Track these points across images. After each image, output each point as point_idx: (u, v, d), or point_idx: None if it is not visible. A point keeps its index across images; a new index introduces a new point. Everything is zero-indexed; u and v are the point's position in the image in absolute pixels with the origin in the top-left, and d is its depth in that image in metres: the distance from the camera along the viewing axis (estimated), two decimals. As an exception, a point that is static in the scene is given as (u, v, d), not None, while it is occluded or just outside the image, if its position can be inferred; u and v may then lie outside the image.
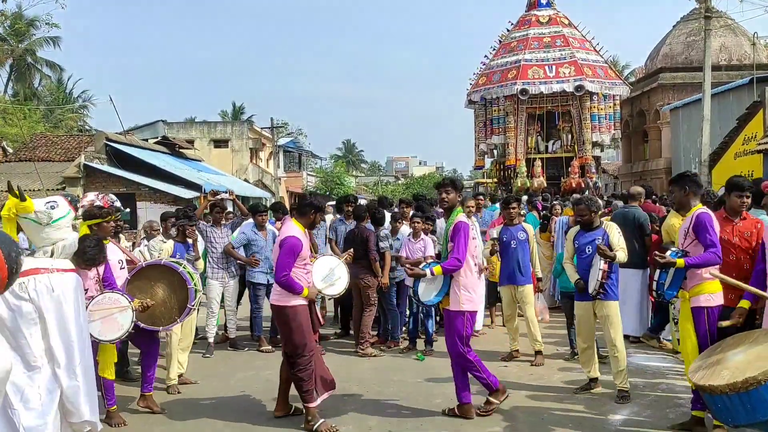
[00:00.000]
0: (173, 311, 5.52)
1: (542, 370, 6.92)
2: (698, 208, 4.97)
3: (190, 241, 7.05)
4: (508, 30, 23.92)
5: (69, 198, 4.62)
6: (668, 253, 4.85)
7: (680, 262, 4.72)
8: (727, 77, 20.46)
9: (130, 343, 6.15)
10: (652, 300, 7.62)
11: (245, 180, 32.70)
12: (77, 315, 4.13)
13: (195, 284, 5.63)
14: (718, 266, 4.75)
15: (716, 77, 18.54)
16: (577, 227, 6.23)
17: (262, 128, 39.30)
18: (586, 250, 5.94)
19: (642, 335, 7.62)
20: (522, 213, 8.20)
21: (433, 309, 7.77)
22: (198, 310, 8.71)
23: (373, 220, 8.27)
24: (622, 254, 5.80)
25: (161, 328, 5.62)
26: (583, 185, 20.65)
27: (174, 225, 7.38)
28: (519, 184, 21.12)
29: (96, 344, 4.98)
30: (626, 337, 7.60)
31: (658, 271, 4.94)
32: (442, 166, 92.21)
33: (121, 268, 5.46)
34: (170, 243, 6.95)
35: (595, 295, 5.74)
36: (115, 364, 5.56)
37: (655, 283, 4.96)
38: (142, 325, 5.37)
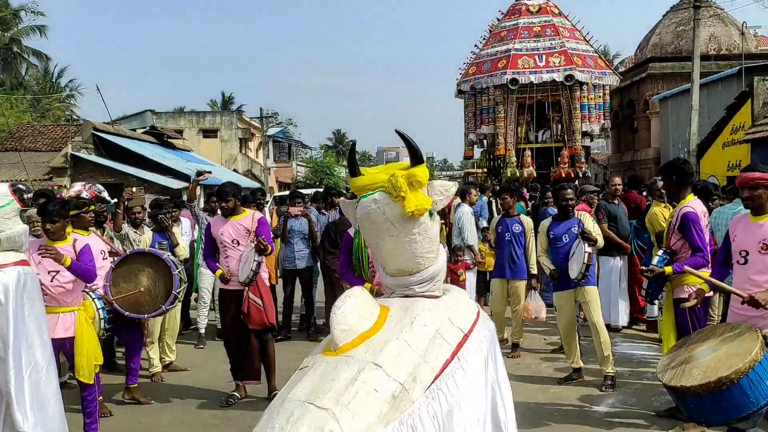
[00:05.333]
0: (158, 299, 5.47)
1: (529, 360, 6.93)
2: (684, 203, 4.92)
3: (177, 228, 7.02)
4: (498, 19, 23.82)
5: (14, 188, 4.33)
6: (654, 260, 4.88)
7: (668, 270, 4.80)
8: (716, 67, 20.45)
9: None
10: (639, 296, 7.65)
11: (234, 170, 32.51)
12: (17, 314, 3.89)
13: (180, 272, 5.58)
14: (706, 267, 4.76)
15: (705, 67, 18.53)
16: (549, 219, 6.26)
17: (251, 118, 39.04)
18: (563, 239, 5.96)
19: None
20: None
21: None
22: (189, 300, 8.71)
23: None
24: (600, 239, 5.88)
25: (146, 315, 5.57)
26: (572, 175, 20.68)
27: (151, 216, 7.34)
28: (509, 174, 21.11)
29: (63, 346, 4.74)
30: (613, 328, 7.67)
31: (646, 280, 5.00)
32: (432, 157, 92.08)
33: (103, 259, 5.39)
34: (149, 233, 6.91)
35: (580, 280, 5.74)
36: (102, 354, 5.50)
37: (643, 291, 5.10)
38: (126, 313, 5.32)
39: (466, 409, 2.62)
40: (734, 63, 19.11)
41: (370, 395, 2.38)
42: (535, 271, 7.06)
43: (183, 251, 7.14)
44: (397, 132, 3.03)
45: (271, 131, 42.58)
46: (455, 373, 2.64)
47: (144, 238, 6.81)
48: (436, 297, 2.99)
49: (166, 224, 7.00)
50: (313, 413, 2.32)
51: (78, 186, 7.33)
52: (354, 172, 2.95)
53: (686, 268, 4.56)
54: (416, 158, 2.92)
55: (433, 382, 2.54)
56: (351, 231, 4.78)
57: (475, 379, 2.74)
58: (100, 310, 4.96)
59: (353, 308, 2.66)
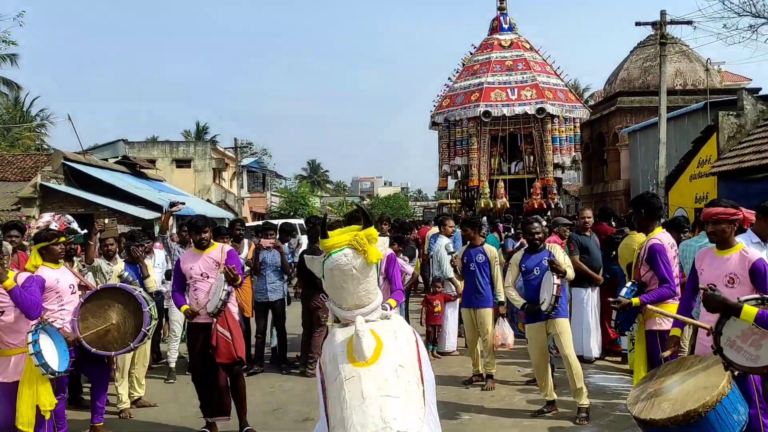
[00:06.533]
0: (127, 336, 5.36)
1: (504, 392, 6.91)
2: (653, 235, 5.00)
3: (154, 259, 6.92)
4: (471, 53, 24.27)
5: None
6: (623, 292, 4.93)
7: (635, 301, 4.84)
8: (682, 101, 20.96)
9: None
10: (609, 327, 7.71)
11: (208, 200, 32.28)
12: None
13: (150, 309, 5.48)
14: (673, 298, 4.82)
15: (672, 101, 19.02)
16: (521, 252, 6.31)
17: (225, 148, 38.93)
18: (534, 272, 6.03)
19: None
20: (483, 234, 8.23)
21: None
22: (161, 334, 8.55)
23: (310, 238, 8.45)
24: (570, 271, 5.93)
25: (113, 353, 5.44)
26: (545, 206, 20.94)
27: (124, 247, 7.24)
28: (482, 205, 21.32)
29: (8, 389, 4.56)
30: (586, 359, 7.71)
31: (615, 311, 5.04)
32: (407, 187, 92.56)
33: (72, 293, 5.27)
34: (121, 263, 6.81)
35: (550, 311, 5.77)
36: (68, 389, 5.35)
37: (613, 322, 5.17)
38: (93, 350, 5.20)
39: (431, 389, 3.85)
40: (700, 98, 19.65)
41: (410, 385, 3.51)
42: (502, 298, 7.04)
43: (153, 283, 7.04)
44: (357, 205, 3.96)
45: (246, 161, 42.46)
46: (423, 367, 3.82)
47: (116, 269, 6.70)
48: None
49: (137, 255, 6.91)
50: (393, 402, 3.34)
51: (47, 217, 7.24)
52: (325, 235, 3.87)
53: (649, 306, 4.62)
54: (369, 222, 3.94)
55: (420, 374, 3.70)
56: None
57: (429, 367, 3.99)
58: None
59: (369, 330, 3.64)
